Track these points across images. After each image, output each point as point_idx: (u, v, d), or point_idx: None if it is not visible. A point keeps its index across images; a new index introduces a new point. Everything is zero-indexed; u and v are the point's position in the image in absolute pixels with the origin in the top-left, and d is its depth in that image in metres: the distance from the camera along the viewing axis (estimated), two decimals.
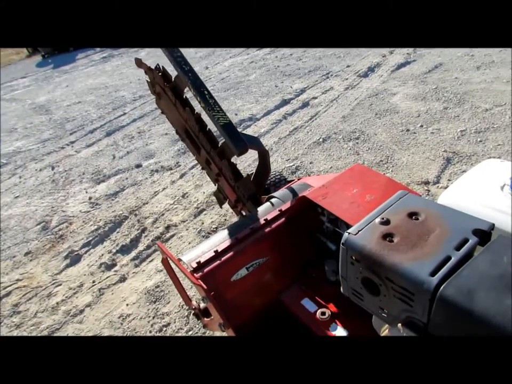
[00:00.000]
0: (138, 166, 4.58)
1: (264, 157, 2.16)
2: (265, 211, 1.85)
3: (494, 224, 0.97)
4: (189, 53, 9.37)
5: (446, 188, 3.09)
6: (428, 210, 1.07)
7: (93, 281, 2.89)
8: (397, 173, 3.40)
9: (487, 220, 1.00)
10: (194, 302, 1.93)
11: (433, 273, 0.87)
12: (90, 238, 3.38)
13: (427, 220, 1.03)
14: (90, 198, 4.04)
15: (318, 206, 1.66)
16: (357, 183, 1.65)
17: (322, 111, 4.88)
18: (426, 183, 3.20)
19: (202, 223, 3.28)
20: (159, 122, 5.67)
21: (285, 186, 2.16)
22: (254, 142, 2.00)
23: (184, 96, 2.16)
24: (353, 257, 1.03)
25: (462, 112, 4.14)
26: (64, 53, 12.63)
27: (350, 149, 3.93)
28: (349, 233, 1.05)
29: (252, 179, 2.22)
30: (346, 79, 5.70)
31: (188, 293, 2.01)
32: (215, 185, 2.52)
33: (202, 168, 2.55)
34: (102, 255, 3.16)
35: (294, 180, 2.33)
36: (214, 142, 2.12)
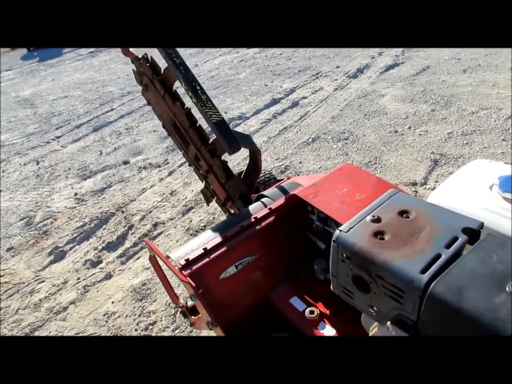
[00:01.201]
0: (125, 162, 4.52)
1: (255, 155, 2.13)
2: (254, 209, 1.85)
3: (483, 223, 0.98)
4: (179, 50, 9.30)
5: (433, 189, 3.13)
6: (418, 208, 1.07)
7: (78, 278, 2.83)
8: (385, 174, 3.43)
9: (476, 218, 1.01)
10: (181, 300, 1.91)
11: (423, 271, 0.88)
12: (76, 235, 3.32)
13: (417, 218, 1.04)
14: (76, 194, 3.98)
15: (308, 205, 1.65)
16: (346, 182, 1.65)
17: (311, 111, 4.90)
18: (414, 184, 3.23)
19: (191, 221, 3.25)
20: (147, 119, 5.61)
21: (275, 185, 2.15)
22: (246, 141, 1.98)
23: (174, 90, 2.08)
24: (344, 255, 1.03)
25: (449, 115, 4.20)
26: (50, 47, 12.40)
27: (339, 149, 3.95)
28: (340, 230, 1.05)
29: (242, 177, 2.19)
30: (336, 79, 5.73)
31: (175, 291, 1.99)
32: (203, 182, 2.49)
33: (189, 165, 2.47)
34: (88, 251, 3.11)
35: (283, 179, 2.33)
36: (204, 138, 2.06)
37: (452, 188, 1.34)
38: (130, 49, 2.14)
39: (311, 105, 5.05)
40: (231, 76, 6.73)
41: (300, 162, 3.84)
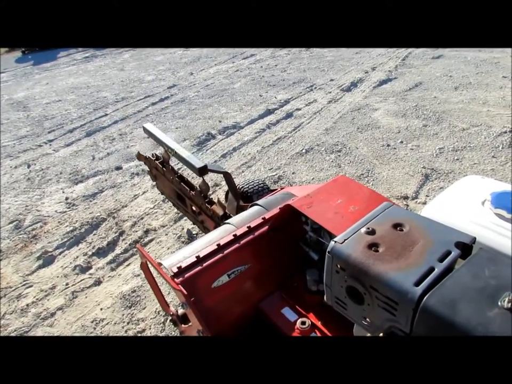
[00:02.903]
0: (118, 168, 4.50)
1: (228, 178, 2.47)
2: (248, 218, 1.85)
3: (475, 238, 1.00)
4: (173, 58, 9.36)
5: (424, 203, 3.17)
6: (412, 222, 1.09)
7: (66, 284, 2.80)
8: (377, 187, 3.46)
9: (468, 233, 1.03)
10: (172, 308, 1.89)
11: (417, 284, 0.89)
12: (65, 239, 3.28)
13: (411, 231, 1.05)
14: (67, 198, 3.94)
15: (302, 215, 1.66)
16: (341, 194, 1.66)
17: (305, 123, 4.94)
18: (405, 198, 3.27)
19: (182, 229, 3.24)
20: (141, 125, 5.60)
21: (268, 195, 2.16)
22: (214, 166, 2.42)
23: (170, 166, 2.69)
24: (339, 266, 1.04)
25: (441, 130, 4.27)
26: (46, 50, 12.38)
27: (332, 161, 3.99)
28: (335, 241, 1.06)
29: (228, 203, 2.48)
30: (330, 92, 5.80)
31: (166, 299, 1.98)
32: (204, 232, 2.74)
33: (193, 223, 2.99)
34: (77, 257, 3.08)
35: (276, 189, 2.35)
36: (192, 186, 2.55)
37: (445, 202, 1.36)
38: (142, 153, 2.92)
39: (305, 117, 5.10)
40: (226, 85, 6.77)
41: (293, 173, 3.87)
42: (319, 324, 1.56)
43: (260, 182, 2.72)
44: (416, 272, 0.92)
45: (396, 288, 0.90)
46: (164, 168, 2.71)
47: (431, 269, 0.92)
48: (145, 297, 2.61)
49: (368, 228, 1.08)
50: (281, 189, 2.29)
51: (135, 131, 5.44)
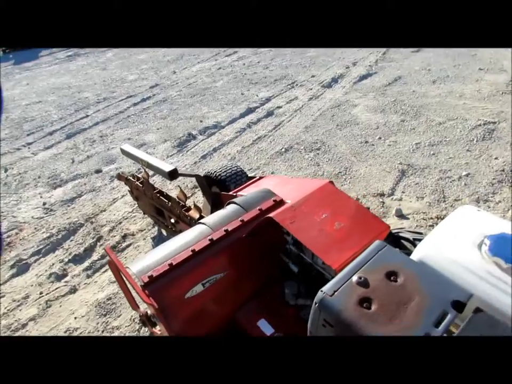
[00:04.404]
0: (98, 171, 4.46)
1: (200, 181, 2.61)
2: (225, 219, 1.73)
3: (472, 295, 0.97)
4: (156, 57, 9.27)
5: (400, 199, 3.18)
6: (406, 270, 1.04)
7: (40, 293, 2.77)
8: (354, 185, 3.47)
9: (463, 280, 1.00)
10: (142, 308, 1.84)
11: None
12: (41, 246, 3.25)
13: (406, 283, 1.01)
14: (44, 204, 3.90)
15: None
16: (326, 206, 1.61)
17: (286, 121, 4.93)
18: (382, 195, 3.28)
19: (161, 233, 3.22)
20: (122, 126, 5.56)
21: (246, 187, 2.09)
22: (186, 171, 2.66)
23: (149, 184, 2.79)
24: (326, 320, 1.00)
25: (418, 125, 4.29)
26: (27, 49, 12.18)
27: (311, 159, 3.99)
28: (324, 292, 1.02)
29: (203, 206, 2.54)
30: (311, 89, 5.78)
31: (135, 297, 1.93)
32: None
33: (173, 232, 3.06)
34: (53, 264, 3.05)
35: (255, 177, 2.28)
36: (170, 198, 2.61)
37: (439, 242, 1.25)
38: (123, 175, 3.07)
39: (285, 115, 5.09)
40: (208, 84, 6.73)
41: (271, 173, 3.86)
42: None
43: (234, 167, 2.63)
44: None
45: None
46: (143, 186, 2.83)
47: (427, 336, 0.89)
48: (120, 304, 2.60)
49: (360, 278, 1.03)
50: (260, 178, 2.23)
51: (116, 133, 5.39)
